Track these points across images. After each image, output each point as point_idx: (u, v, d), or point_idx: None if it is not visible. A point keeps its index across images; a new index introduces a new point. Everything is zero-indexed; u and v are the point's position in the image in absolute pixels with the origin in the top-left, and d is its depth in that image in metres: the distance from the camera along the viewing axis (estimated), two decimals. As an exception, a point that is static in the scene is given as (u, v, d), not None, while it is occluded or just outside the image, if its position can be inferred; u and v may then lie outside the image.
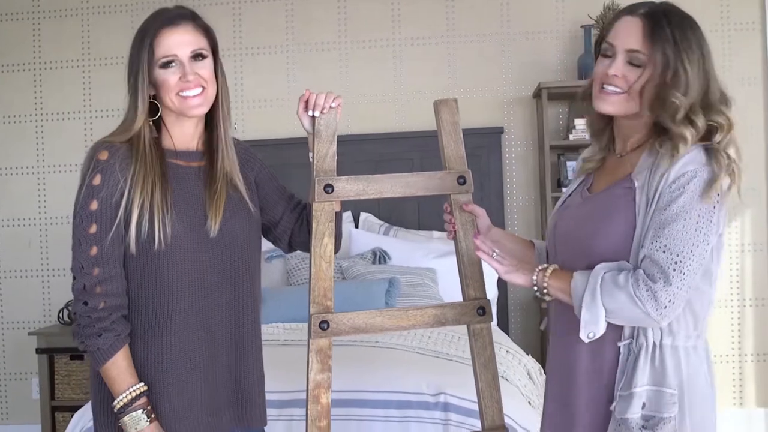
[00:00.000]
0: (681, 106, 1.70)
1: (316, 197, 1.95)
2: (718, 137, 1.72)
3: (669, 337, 1.72)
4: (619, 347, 1.74)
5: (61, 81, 4.95)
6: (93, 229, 1.86)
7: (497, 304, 4.35)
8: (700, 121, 1.70)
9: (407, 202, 4.55)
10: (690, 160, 1.68)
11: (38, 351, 4.57)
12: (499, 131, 4.69)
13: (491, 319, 2.01)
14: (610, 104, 1.79)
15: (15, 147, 4.96)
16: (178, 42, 1.89)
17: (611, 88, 1.78)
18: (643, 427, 1.68)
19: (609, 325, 1.70)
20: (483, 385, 2.01)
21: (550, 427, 1.92)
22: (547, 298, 1.80)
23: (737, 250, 4.61)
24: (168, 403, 1.87)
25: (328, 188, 1.96)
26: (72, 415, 4.45)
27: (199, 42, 1.92)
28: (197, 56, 1.91)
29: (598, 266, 1.70)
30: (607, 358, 1.76)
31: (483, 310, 2.00)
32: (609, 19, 1.84)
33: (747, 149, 4.94)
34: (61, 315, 4.74)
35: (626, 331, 1.73)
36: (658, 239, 1.65)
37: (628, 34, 1.76)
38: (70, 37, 4.93)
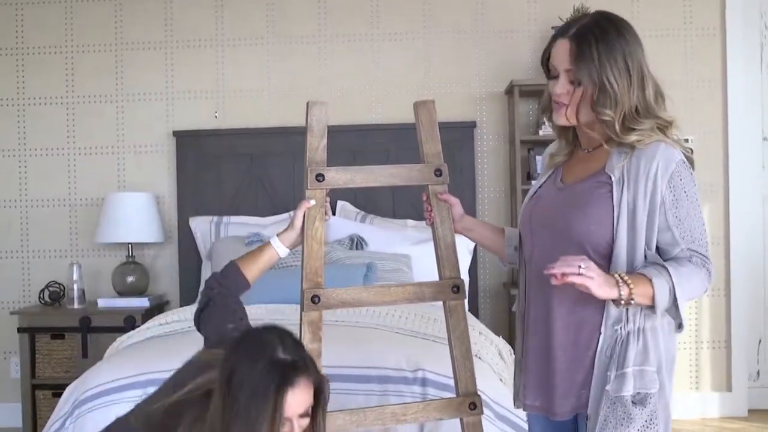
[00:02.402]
0: (614, 120, 1.95)
1: (308, 185, 2.21)
2: (671, 132, 1.98)
3: (649, 320, 1.95)
4: (600, 330, 1.95)
5: (44, 67, 5.14)
6: None
7: (468, 290, 4.63)
8: (643, 125, 1.95)
9: (383, 192, 4.79)
10: (668, 158, 1.93)
11: (20, 330, 4.72)
12: (472, 125, 4.93)
13: (465, 297, 2.28)
14: (563, 117, 2.05)
15: (-3, 130, 5.15)
16: (297, 403, 1.83)
17: (560, 103, 2.03)
18: (633, 403, 1.91)
19: (589, 307, 1.95)
20: (457, 355, 2.29)
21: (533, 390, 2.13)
22: (628, 306, 1.89)
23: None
24: None
25: (320, 177, 2.23)
26: (52, 393, 4.69)
27: (309, 398, 1.88)
28: (304, 414, 1.87)
29: (655, 267, 1.90)
30: (584, 336, 1.98)
31: (457, 288, 2.28)
32: (548, 41, 2.08)
33: (706, 148, 5.30)
34: (42, 295, 4.93)
35: (614, 317, 1.94)
36: (685, 234, 1.92)
37: (561, 57, 2.00)
38: (54, 23, 5.12)
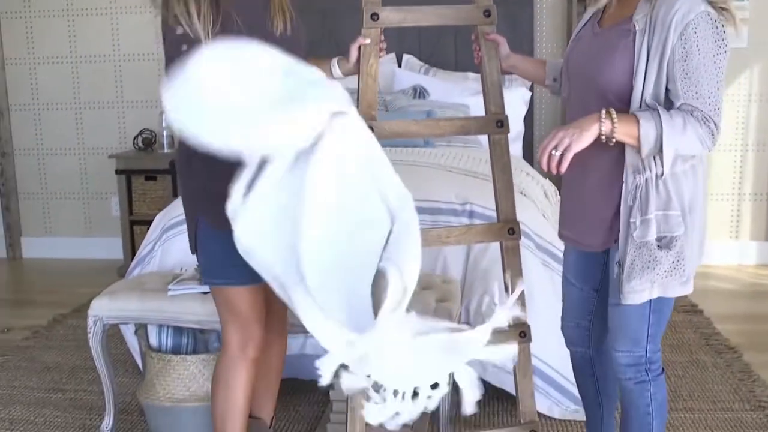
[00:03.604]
0: None
1: (364, 24, 2.21)
2: None
3: (669, 167, 1.88)
4: (623, 179, 1.91)
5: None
6: None
7: (523, 139, 4.61)
8: None
9: (446, 44, 4.73)
10: (688, 8, 1.80)
11: (117, 172, 4.95)
12: (531, -18, 4.78)
13: (508, 131, 2.27)
14: None
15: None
16: None
17: None
18: (659, 247, 1.88)
19: (612, 152, 1.89)
20: (499, 185, 2.31)
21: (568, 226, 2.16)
22: (611, 143, 1.83)
23: (744, 99, 4.77)
24: None
25: (375, 16, 2.21)
26: (147, 228, 4.91)
27: None
28: None
29: (650, 112, 1.81)
30: (612, 179, 1.94)
31: (501, 123, 2.28)
32: None
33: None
34: (136, 141, 5.10)
35: (633, 166, 1.88)
36: (689, 89, 1.79)
37: None
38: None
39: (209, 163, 2.04)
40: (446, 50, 4.80)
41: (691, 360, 3.40)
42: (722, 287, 4.49)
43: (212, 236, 2.08)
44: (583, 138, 1.82)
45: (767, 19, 4.68)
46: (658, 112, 1.81)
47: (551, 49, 4.87)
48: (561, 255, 2.90)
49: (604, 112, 1.83)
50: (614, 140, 1.83)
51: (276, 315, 2.36)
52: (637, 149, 1.84)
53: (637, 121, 1.81)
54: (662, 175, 1.87)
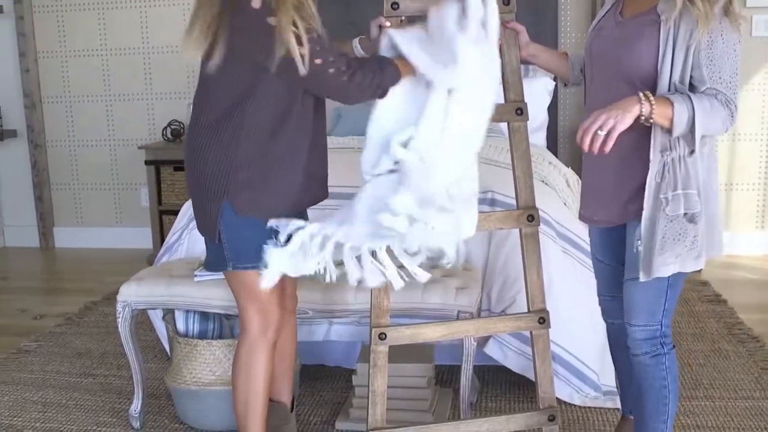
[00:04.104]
0: None
1: (385, 13, 2.24)
2: None
3: (689, 149, 1.99)
4: (651, 158, 2.00)
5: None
6: None
7: (547, 129, 4.61)
8: None
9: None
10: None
11: (147, 163, 5.03)
12: (556, -30, 4.77)
13: (527, 119, 2.30)
14: None
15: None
16: None
17: None
18: (687, 220, 2.00)
19: (639, 132, 1.98)
20: (519, 172, 2.33)
21: (587, 206, 2.25)
22: (648, 123, 1.94)
23: (770, 88, 4.74)
24: None
25: (395, 5, 2.25)
26: (176, 217, 4.98)
27: None
28: None
29: (681, 95, 1.92)
30: (636, 158, 2.03)
31: (521, 111, 2.30)
32: None
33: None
34: (164, 132, 5.17)
35: (661, 144, 1.99)
36: (713, 74, 1.93)
37: None
38: None
39: (232, 152, 2.09)
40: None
41: (713, 349, 3.39)
42: (747, 277, 4.46)
43: (238, 222, 2.12)
44: (626, 119, 1.90)
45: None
46: (689, 96, 1.92)
47: (576, 39, 4.85)
48: (582, 243, 2.93)
49: (641, 94, 1.91)
50: (651, 121, 1.92)
51: (288, 296, 2.41)
52: (668, 130, 1.94)
53: (672, 104, 1.90)
54: (692, 153, 1.98)
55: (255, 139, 2.08)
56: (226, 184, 2.11)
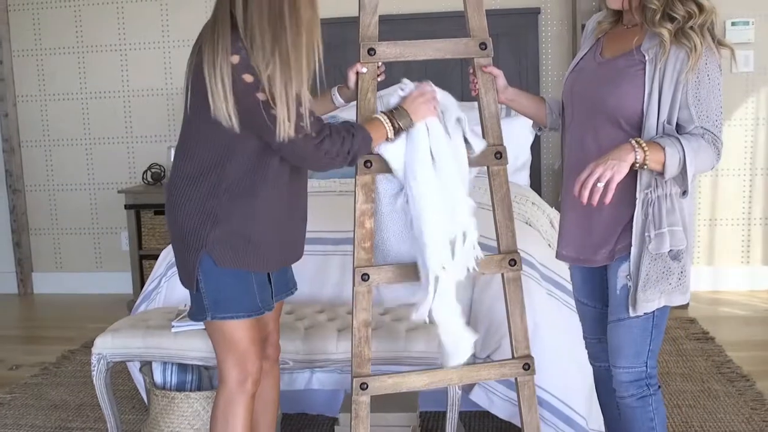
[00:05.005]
0: (657, 10, 1.97)
1: (361, 59, 2.21)
2: (692, 21, 1.95)
3: (674, 186, 2.00)
4: (636, 197, 2.00)
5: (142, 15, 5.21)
6: None
7: (530, 167, 4.59)
8: (679, 11, 1.95)
9: (452, 74, 4.72)
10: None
11: (127, 207, 4.97)
12: (536, 12, 4.79)
13: (506, 162, 2.27)
14: (616, 3, 2.10)
15: (99, 28, 5.25)
16: None
17: None
18: (671, 258, 2.00)
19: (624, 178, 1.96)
20: (499, 217, 2.29)
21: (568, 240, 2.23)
22: (642, 170, 1.95)
23: (752, 123, 4.74)
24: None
25: (371, 51, 2.22)
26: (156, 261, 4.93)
27: None
28: None
29: (670, 138, 1.93)
30: (619, 196, 2.00)
31: (500, 155, 2.27)
32: None
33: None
34: (145, 176, 5.12)
35: (645, 182, 1.99)
36: (701, 113, 1.95)
37: None
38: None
39: (210, 205, 2.06)
40: (452, 80, 4.79)
41: (703, 389, 3.35)
42: (734, 313, 4.43)
43: (217, 272, 2.09)
44: (623, 168, 1.89)
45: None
46: (678, 138, 1.93)
47: (557, 77, 4.86)
48: (566, 285, 2.89)
49: (633, 141, 1.91)
50: (645, 167, 1.92)
51: (271, 345, 2.36)
52: (660, 173, 1.94)
53: (663, 149, 1.91)
54: (684, 194, 1.99)
55: (233, 196, 2.06)
56: (205, 236, 2.07)
